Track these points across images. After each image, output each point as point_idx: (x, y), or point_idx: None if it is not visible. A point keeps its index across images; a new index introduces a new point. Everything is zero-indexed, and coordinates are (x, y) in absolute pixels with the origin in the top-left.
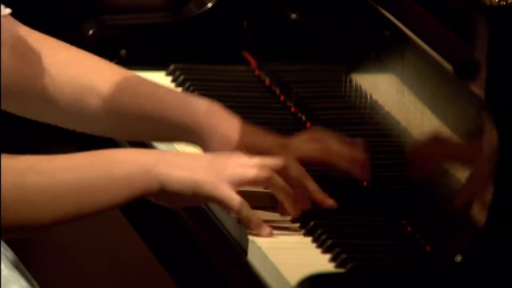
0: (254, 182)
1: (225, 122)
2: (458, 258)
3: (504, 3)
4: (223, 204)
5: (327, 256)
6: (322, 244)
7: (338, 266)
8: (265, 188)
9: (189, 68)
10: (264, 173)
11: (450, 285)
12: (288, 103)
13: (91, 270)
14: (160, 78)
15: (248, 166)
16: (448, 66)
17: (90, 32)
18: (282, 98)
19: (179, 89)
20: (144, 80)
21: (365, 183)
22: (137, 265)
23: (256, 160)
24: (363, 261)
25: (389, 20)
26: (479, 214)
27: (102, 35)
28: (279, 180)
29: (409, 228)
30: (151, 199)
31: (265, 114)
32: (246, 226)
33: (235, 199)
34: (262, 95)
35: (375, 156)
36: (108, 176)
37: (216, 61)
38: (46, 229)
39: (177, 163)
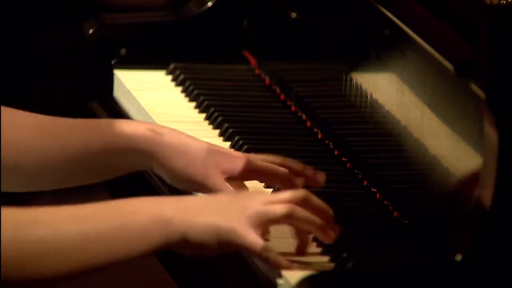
0: (278, 220)
1: (172, 132)
2: (458, 258)
3: (504, 2)
4: (247, 252)
5: (328, 255)
6: (323, 243)
7: (338, 265)
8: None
9: (189, 67)
10: (287, 210)
11: (450, 285)
12: (288, 102)
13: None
14: (160, 77)
15: (271, 204)
16: (448, 65)
17: (90, 31)
18: (282, 97)
19: (179, 88)
20: (65, 120)
21: (365, 182)
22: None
23: (278, 197)
24: (363, 260)
25: (389, 19)
26: (480, 213)
27: (102, 34)
28: (303, 213)
29: (409, 228)
30: (174, 250)
31: (265, 113)
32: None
33: (258, 245)
34: (262, 94)
35: (375, 155)
36: (120, 227)
37: (216, 60)
38: (54, 282)
39: (197, 209)
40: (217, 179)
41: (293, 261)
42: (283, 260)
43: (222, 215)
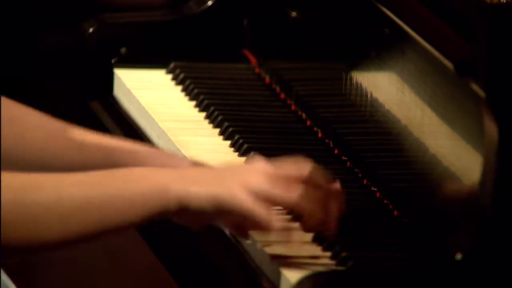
0: (279, 203)
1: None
2: (458, 257)
3: (504, 2)
4: (248, 218)
5: (328, 254)
6: (323, 242)
7: (338, 264)
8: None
9: (189, 66)
10: (292, 197)
11: (450, 284)
12: (288, 101)
13: (92, 270)
14: (160, 76)
15: (273, 180)
16: (448, 64)
17: (90, 30)
18: (282, 96)
19: (179, 87)
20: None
21: (365, 181)
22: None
23: (281, 173)
24: (363, 259)
25: (390, 18)
26: (480, 212)
27: (102, 33)
28: (306, 206)
29: (409, 226)
30: (172, 219)
31: (265, 112)
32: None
33: (261, 212)
34: (262, 93)
35: (375, 154)
36: (120, 194)
37: (216, 59)
38: (53, 249)
39: (195, 178)
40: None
41: (293, 261)
42: (283, 227)
43: (222, 184)
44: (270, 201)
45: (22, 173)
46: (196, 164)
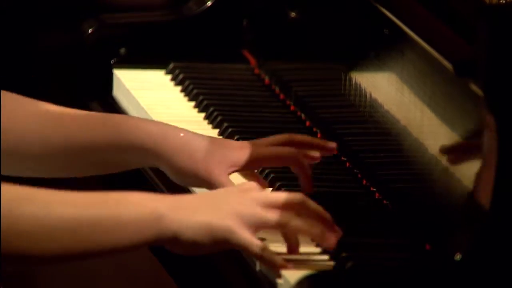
0: (271, 227)
1: (176, 130)
2: (458, 257)
3: (504, 2)
4: (243, 250)
5: (327, 255)
6: None
7: (338, 264)
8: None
9: (188, 66)
10: (282, 220)
11: (450, 284)
12: (288, 102)
13: (93, 271)
14: (160, 77)
15: (267, 207)
16: (448, 65)
17: (90, 30)
18: (281, 96)
19: (179, 88)
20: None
21: (364, 181)
22: (138, 266)
23: (274, 199)
24: (362, 259)
25: (389, 18)
26: (479, 212)
27: (102, 33)
28: (299, 223)
29: (409, 227)
30: (166, 247)
31: (265, 112)
32: (271, 268)
33: (255, 245)
34: (262, 93)
35: (374, 154)
36: (113, 217)
37: (215, 59)
38: (42, 263)
39: (191, 208)
40: (220, 175)
41: (292, 261)
42: (279, 259)
43: (216, 214)
44: (265, 228)
45: (14, 185)
46: (164, 126)
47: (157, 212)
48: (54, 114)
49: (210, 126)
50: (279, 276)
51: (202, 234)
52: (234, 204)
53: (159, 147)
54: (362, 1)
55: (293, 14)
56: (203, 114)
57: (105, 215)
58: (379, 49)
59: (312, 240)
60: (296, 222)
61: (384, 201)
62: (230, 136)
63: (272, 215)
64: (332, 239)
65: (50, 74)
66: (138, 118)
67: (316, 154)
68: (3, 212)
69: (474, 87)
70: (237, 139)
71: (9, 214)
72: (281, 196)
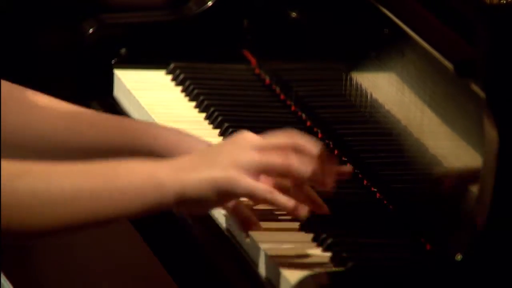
0: (274, 170)
1: (193, 141)
2: (458, 257)
3: (504, 2)
4: (250, 197)
5: (327, 255)
6: (322, 243)
7: (338, 264)
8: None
9: (189, 66)
10: (286, 162)
11: (450, 284)
12: (288, 102)
13: (92, 272)
14: (160, 77)
15: (264, 152)
16: (448, 65)
17: (90, 30)
18: (282, 96)
19: (179, 88)
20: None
21: (365, 181)
22: (139, 267)
23: (270, 143)
24: (363, 260)
25: (389, 18)
26: (479, 213)
27: (102, 33)
28: (302, 170)
29: (409, 227)
30: (172, 209)
31: (265, 112)
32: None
33: (261, 188)
34: (262, 93)
35: (375, 154)
36: (112, 186)
37: (216, 59)
38: (43, 235)
39: (189, 166)
40: None
41: (293, 261)
42: (289, 200)
43: (216, 167)
44: (265, 171)
45: (13, 160)
46: (180, 135)
47: (157, 177)
48: (71, 115)
49: (211, 126)
50: (302, 212)
51: (206, 189)
52: (231, 154)
53: (174, 155)
54: (362, 1)
55: (293, 14)
56: (203, 114)
57: (104, 184)
58: (380, 49)
59: (311, 184)
60: (296, 168)
61: (385, 201)
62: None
63: (271, 161)
64: (330, 180)
65: (51, 74)
66: (155, 125)
67: (348, 168)
68: (2, 186)
69: (474, 87)
70: None
71: (8, 187)
72: (275, 139)
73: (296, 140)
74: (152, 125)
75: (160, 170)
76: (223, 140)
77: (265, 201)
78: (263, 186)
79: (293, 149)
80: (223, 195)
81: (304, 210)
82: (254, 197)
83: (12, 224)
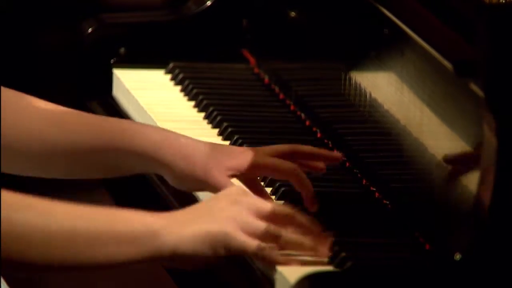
0: (266, 238)
1: (180, 138)
2: (458, 257)
3: (504, 1)
4: (243, 254)
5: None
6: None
7: (337, 264)
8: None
9: (188, 66)
10: (278, 230)
11: (449, 284)
12: (287, 101)
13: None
14: (159, 77)
15: (258, 216)
16: (447, 65)
17: (90, 30)
18: (281, 96)
19: (178, 87)
20: (83, 114)
21: (364, 181)
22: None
23: (265, 208)
24: (362, 260)
25: (389, 18)
26: (479, 212)
27: (101, 33)
28: (292, 237)
29: (408, 227)
30: (163, 264)
31: (264, 112)
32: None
33: (253, 244)
34: (261, 93)
35: (374, 154)
36: (110, 231)
37: (215, 59)
38: (40, 271)
39: (185, 220)
40: (218, 176)
41: (291, 260)
42: (279, 256)
43: (211, 221)
44: (257, 236)
45: (15, 193)
46: (165, 133)
47: (152, 228)
48: (56, 113)
49: (210, 125)
50: (275, 270)
51: (201, 243)
52: (227, 210)
53: (159, 153)
54: (362, 1)
55: (293, 14)
56: (202, 114)
57: (102, 230)
58: (379, 49)
59: (305, 252)
60: (289, 235)
61: (384, 201)
62: (229, 136)
63: (265, 225)
64: (324, 250)
65: (50, 73)
66: (141, 124)
67: (320, 165)
68: (3, 217)
69: (474, 87)
70: (237, 139)
71: (8, 219)
72: (271, 206)
73: (290, 211)
74: (136, 124)
75: (157, 222)
76: (217, 194)
77: (256, 258)
78: (256, 243)
79: (286, 220)
80: (218, 250)
81: (294, 263)
82: (247, 254)
83: (12, 255)
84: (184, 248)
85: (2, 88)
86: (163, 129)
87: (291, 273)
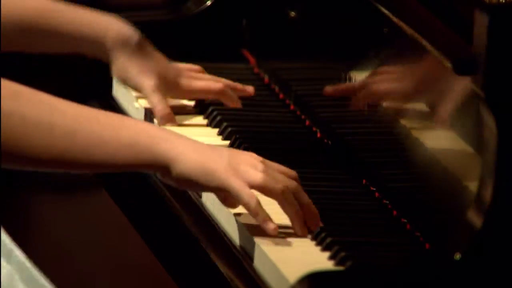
0: (268, 191)
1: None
2: (457, 256)
3: (503, 1)
4: (234, 195)
5: (326, 254)
6: (322, 242)
7: (337, 264)
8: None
9: None
10: (280, 186)
11: (449, 284)
12: (287, 101)
13: (91, 271)
14: None
15: (267, 173)
16: (447, 64)
17: None
18: (281, 96)
19: None
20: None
21: (364, 181)
22: (138, 266)
23: (270, 168)
24: (362, 259)
25: (388, 17)
26: (478, 212)
27: None
28: (291, 199)
29: (408, 226)
30: (157, 175)
31: (264, 111)
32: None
33: (247, 192)
34: (261, 93)
35: (374, 154)
36: (111, 135)
37: (215, 59)
38: (37, 165)
39: (190, 146)
40: (147, 80)
41: (292, 260)
42: (263, 213)
43: (215, 159)
44: (254, 187)
45: (23, 85)
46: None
47: (155, 139)
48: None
49: (210, 125)
50: (269, 227)
51: (197, 172)
52: (232, 158)
53: (105, 39)
54: (362, 1)
55: (292, 14)
56: (202, 114)
57: (105, 133)
58: (379, 49)
59: (291, 219)
60: (287, 194)
61: (383, 200)
62: (229, 136)
63: (263, 177)
64: (305, 228)
65: (50, 73)
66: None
67: (249, 88)
68: (3, 105)
69: (473, 86)
70: (237, 139)
71: (10, 106)
72: (277, 165)
73: (295, 175)
74: (101, 15)
75: (159, 134)
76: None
77: (245, 204)
78: (250, 192)
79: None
80: (211, 185)
81: (271, 227)
82: (237, 198)
83: (11, 143)
84: (180, 168)
85: None
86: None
87: (291, 273)
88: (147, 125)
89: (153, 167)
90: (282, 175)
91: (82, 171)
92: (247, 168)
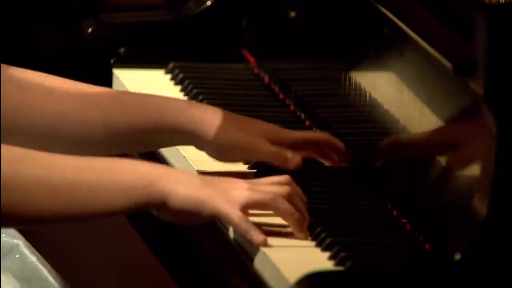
0: (259, 204)
1: (215, 114)
2: (457, 256)
3: (503, 1)
4: (225, 219)
5: (326, 254)
6: (321, 242)
7: (337, 264)
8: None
9: (188, 66)
10: (269, 196)
11: (449, 284)
12: (287, 101)
13: (91, 271)
14: (159, 76)
15: (253, 189)
16: (447, 64)
17: (89, 30)
18: (281, 96)
19: (178, 87)
20: (126, 92)
21: (364, 181)
22: (138, 266)
23: (262, 181)
24: (362, 259)
25: (388, 18)
26: (478, 212)
27: (101, 33)
28: (284, 204)
29: (408, 226)
30: (153, 212)
31: (264, 112)
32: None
33: (235, 213)
34: (261, 93)
35: (374, 154)
36: (108, 182)
37: (215, 59)
38: (41, 224)
39: (182, 180)
40: (264, 143)
41: (292, 261)
42: (258, 234)
43: (207, 189)
44: (250, 206)
45: (15, 147)
46: (204, 109)
47: (149, 178)
48: (92, 94)
49: None
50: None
51: (190, 204)
52: (221, 185)
53: (200, 128)
54: (362, 1)
55: (292, 14)
56: None
57: (101, 180)
58: (379, 49)
59: (290, 224)
60: (281, 202)
61: (383, 200)
62: None
63: (256, 193)
64: (305, 232)
65: (50, 73)
66: (179, 101)
67: (340, 143)
68: (4, 171)
69: (473, 86)
70: None
71: (10, 171)
72: (268, 178)
73: (286, 179)
74: (178, 102)
75: (154, 172)
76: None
77: (235, 228)
78: (238, 213)
79: (284, 189)
80: (202, 213)
81: (260, 240)
82: (226, 221)
83: (13, 209)
84: (173, 202)
85: (15, 68)
86: (201, 105)
87: (290, 272)
88: (141, 164)
89: (150, 205)
90: (271, 185)
91: (81, 223)
92: (234, 191)
